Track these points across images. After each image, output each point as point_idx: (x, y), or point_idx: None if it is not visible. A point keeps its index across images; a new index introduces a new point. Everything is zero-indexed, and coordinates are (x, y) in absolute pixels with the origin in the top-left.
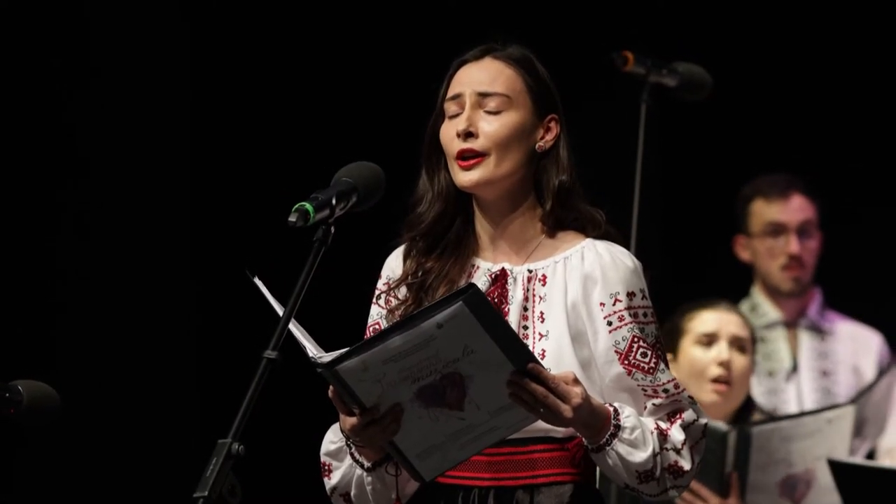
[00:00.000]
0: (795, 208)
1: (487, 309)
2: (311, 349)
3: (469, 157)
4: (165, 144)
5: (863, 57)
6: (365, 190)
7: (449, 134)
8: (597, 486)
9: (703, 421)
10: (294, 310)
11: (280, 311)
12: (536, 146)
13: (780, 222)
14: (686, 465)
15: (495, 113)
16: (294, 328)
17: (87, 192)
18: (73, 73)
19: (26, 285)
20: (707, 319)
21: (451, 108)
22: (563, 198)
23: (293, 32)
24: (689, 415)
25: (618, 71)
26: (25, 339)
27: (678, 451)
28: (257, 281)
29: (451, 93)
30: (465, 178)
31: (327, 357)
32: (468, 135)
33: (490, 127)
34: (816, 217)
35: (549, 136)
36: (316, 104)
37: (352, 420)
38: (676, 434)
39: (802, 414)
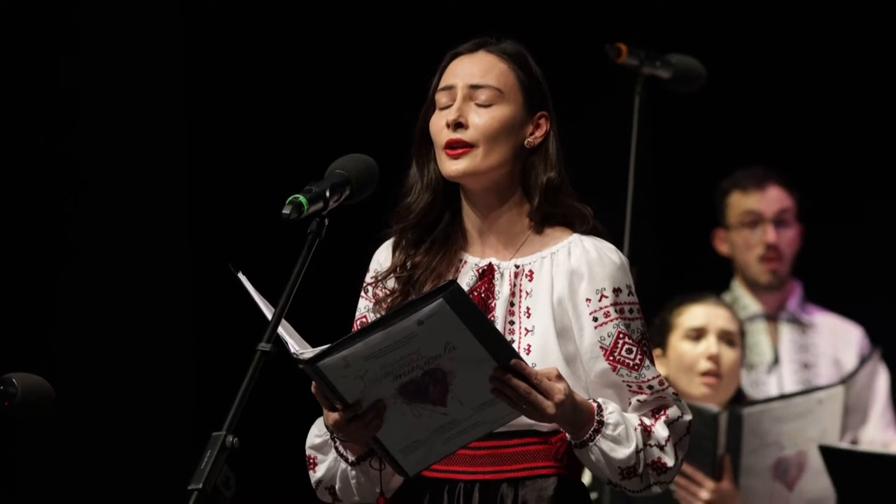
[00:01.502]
0: (772, 198)
1: (468, 305)
2: (294, 345)
3: (457, 147)
4: (160, 137)
5: (861, 51)
6: (359, 182)
7: (438, 124)
8: (588, 481)
9: (687, 418)
10: (289, 302)
11: (263, 305)
12: (525, 142)
13: (757, 212)
14: (669, 461)
15: (486, 106)
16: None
17: (83, 185)
18: (68, 73)
19: (22, 278)
20: (695, 314)
21: (441, 99)
22: (551, 195)
23: (287, 26)
24: (673, 411)
25: (612, 63)
26: (20, 332)
27: (662, 448)
28: (241, 276)
29: (442, 84)
30: (451, 167)
31: (309, 353)
32: (458, 125)
33: (480, 119)
34: (794, 208)
35: (539, 133)
36: (310, 97)
37: (334, 415)
38: (660, 430)
39: (793, 395)
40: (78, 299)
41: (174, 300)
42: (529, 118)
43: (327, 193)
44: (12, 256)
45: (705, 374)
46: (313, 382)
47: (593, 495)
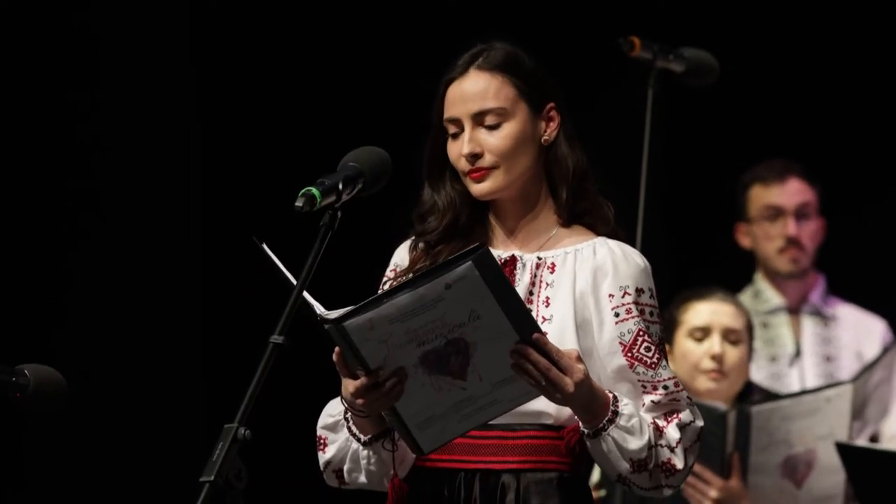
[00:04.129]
0: (792, 191)
1: (495, 270)
2: (319, 307)
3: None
4: (171, 130)
5: (876, 41)
6: (371, 175)
7: (455, 152)
8: (597, 479)
9: (699, 423)
10: (300, 294)
11: (290, 276)
12: (542, 140)
13: (778, 205)
14: (679, 464)
15: (495, 127)
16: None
17: (93, 179)
18: (77, 70)
19: (33, 272)
20: (700, 312)
21: (450, 128)
22: (578, 183)
23: (298, 19)
24: (686, 415)
25: (625, 56)
26: (31, 324)
27: (672, 450)
28: (265, 247)
29: (446, 115)
30: (477, 188)
31: (335, 314)
32: (474, 156)
33: (494, 141)
34: (816, 201)
35: (553, 126)
36: (322, 90)
37: (355, 383)
38: (672, 432)
39: (801, 393)
40: (89, 292)
41: (185, 292)
42: (539, 116)
43: (340, 186)
44: (24, 250)
45: (708, 372)
46: (335, 349)
47: (602, 493)
